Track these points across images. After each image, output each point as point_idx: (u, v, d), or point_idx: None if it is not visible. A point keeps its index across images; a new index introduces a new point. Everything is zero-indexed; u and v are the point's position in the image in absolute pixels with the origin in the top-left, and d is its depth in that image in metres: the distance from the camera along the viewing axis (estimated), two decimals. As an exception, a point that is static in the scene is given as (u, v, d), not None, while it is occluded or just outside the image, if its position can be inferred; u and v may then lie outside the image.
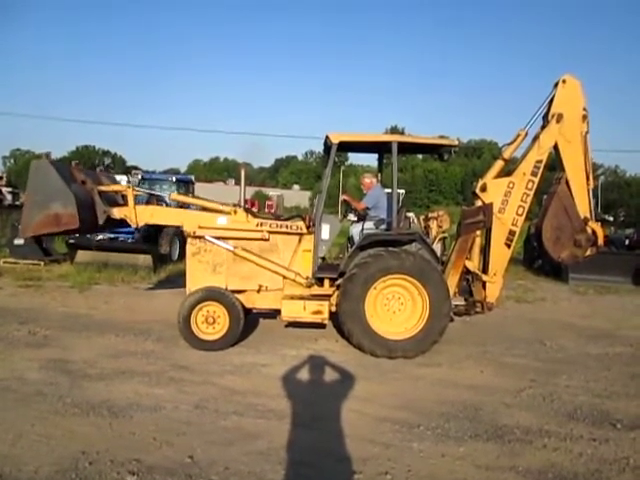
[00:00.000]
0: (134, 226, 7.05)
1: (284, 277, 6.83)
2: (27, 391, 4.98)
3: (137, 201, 7.02)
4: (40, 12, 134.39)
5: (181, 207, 9.06)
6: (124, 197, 6.99)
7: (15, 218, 13.94)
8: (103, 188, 6.91)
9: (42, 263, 12.64)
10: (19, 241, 12.88)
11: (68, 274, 11.56)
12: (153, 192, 8.34)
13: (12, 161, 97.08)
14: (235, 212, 6.82)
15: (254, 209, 19.60)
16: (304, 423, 4.51)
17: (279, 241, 6.89)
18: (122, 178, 23.64)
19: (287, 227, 6.84)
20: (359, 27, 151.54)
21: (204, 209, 7.24)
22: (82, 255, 12.59)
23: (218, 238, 6.77)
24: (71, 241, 12.74)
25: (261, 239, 6.79)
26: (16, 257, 12.78)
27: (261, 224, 6.82)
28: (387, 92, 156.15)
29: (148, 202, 9.54)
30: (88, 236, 12.06)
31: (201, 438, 4.14)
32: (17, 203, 22.23)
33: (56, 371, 5.58)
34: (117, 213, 6.76)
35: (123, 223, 7.02)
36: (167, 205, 10.31)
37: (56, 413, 4.51)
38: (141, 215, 6.83)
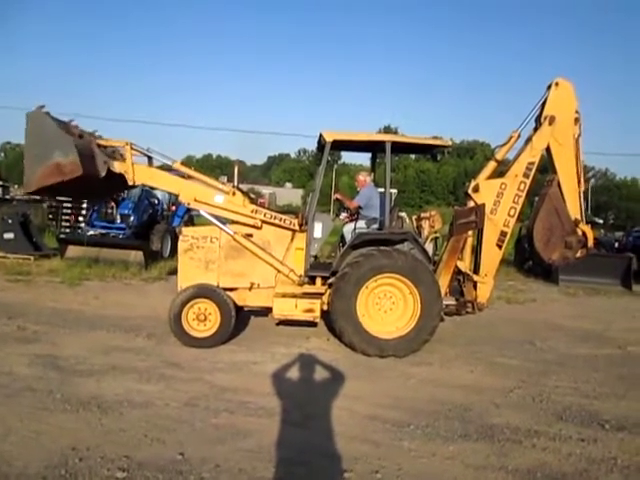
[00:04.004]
0: (131, 183, 6.81)
1: (276, 274, 6.83)
2: (16, 387, 4.95)
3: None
4: (36, 9, 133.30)
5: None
6: (122, 156, 6.72)
7: (5, 212, 13.82)
8: (101, 142, 6.65)
9: (32, 258, 12.56)
10: (9, 235, 12.79)
11: (58, 269, 11.49)
12: (152, 154, 7.90)
13: (2, 155, 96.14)
14: (234, 193, 6.77)
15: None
16: (295, 421, 4.51)
17: (271, 237, 6.87)
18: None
19: (281, 220, 6.81)
20: (353, 26, 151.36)
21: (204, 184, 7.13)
22: (73, 250, 12.51)
23: (212, 215, 6.73)
24: (62, 236, 12.67)
25: (253, 226, 6.76)
26: (5, 251, 12.67)
27: (256, 211, 6.78)
28: (381, 91, 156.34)
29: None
30: (79, 231, 12.00)
31: (192, 435, 4.14)
32: (7, 197, 21.98)
33: (46, 367, 5.54)
34: (117, 167, 6.53)
35: (122, 185, 6.85)
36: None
37: (46, 409, 4.49)
38: (139, 174, 6.68)
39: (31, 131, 6.17)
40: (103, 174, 6.43)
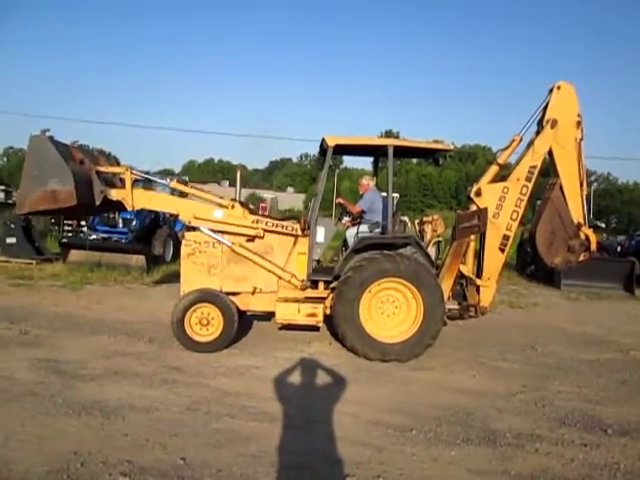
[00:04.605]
0: (130, 209, 6.91)
1: (278, 279, 6.83)
2: (18, 391, 4.94)
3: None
4: (37, 11, 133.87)
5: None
6: (122, 180, 6.84)
7: (7, 216, 13.85)
8: (101, 169, 6.73)
9: (34, 262, 12.57)
10: (11, 239, 12.81)
11: (60, 273, 11.52)
12: (151, 177, 8.11)
13: (5, 159, 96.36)
14: (232, 206, 6.78)
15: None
16: (297, 426, 4.50)
17: (274, 243, 6.88)
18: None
19: (282, 227, 6.83)
20: (356, 29, 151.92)
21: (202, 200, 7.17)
22: (75, 255, 12.53)
23: (213, 231, 6.72)
24: (64, 240, 12.70)
25: (256, 236, 6.77)
26: (8, 256, 12.70)
27: (257, 221, 6.79)
28: (383, 96, 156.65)
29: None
30: (81, 235, 12.02)
31: (194, 440, 4.13)
32: (9, 202, 22.04)
33: (47, 371, 5.54)
34: (115, 194, 6.62)
35: (119, 206, 6.88)
36: None
37: (47, 413, 4.48)
38: (138, 199, 6.72)
39: (32, 154, 6.27)
40: (98, 203, 6.55)
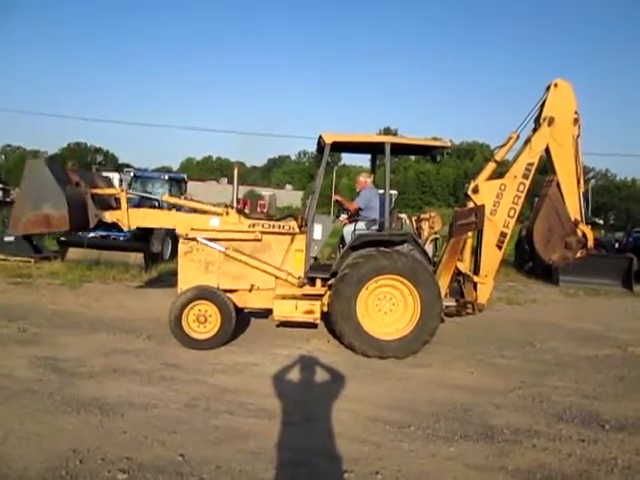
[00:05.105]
0: (126, 229, 7.08)
1: (276, 277, 6.84)
2: (17, 388, 4.95)
3: (130, 204, 7.03)
4: (35, 10, 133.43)
5: (172, 208, 9.06)
6: (117, 200, 6.99)
7: (5, 214, 13.83)
8: (97, 191, 6.89)
9: (32, 260, 12.56)
10: (9, 238, 12.79)
11: (59, 271, 11.51)
12: (145, 195, 8.35)
13: (3, 157, 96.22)
14: (227, 213, 6.82)
15: (247, 208, 19.61)
16: (295, 422, 4.52)
17: (272, 241, 6.89)
18: (114, 175, 23.54)
19: (279, 227, 6.85)
20: (353, 26, 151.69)
21: (196, 211, 7.25)
22: (73, 252, 12.53)
23: (211, 239, 6.76)
24: (62, 238, 12.68)
25: (254, 240, 6.79)
26: (6, 254, 12.69)
27: (253, 225, 6.82)
28: (381, 93, 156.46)
29: (140, 204, 9.52)
30: (80, 233, 12.00)
31: (192, 437, 4.14)
32: (7, 200, 22.00)
33: (46, 369, 5.55)
34: (109, 217, 6.76)
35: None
36: (160, 206, 10.30)
37: (46, 411, 4.49)
38: (134, 218, 6.83)
39: (28, 177, 6.37)
40: (92, 226, 6.73)
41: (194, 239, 6.76)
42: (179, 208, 8.35)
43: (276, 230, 6.84)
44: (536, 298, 11.61)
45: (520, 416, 4.88)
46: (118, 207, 6.86)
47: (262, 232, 6.80)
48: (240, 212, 7.05)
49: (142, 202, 10.69)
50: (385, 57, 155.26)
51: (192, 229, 6.76)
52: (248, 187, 65.31)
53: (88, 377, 5.37)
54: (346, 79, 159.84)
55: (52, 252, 13.47)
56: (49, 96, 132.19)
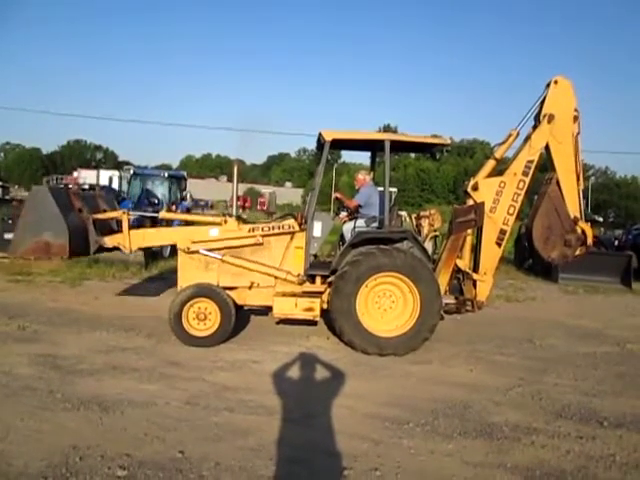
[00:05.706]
0: (127, 252, 7.17)
1: (276, 276, 6.84)
2: (16, 386, 4.96)
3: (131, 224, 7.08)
4: (33, 9, 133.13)
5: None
6: (119, 223, 7.07)
7: (4, 212, 13.82)
8: (99, 216, 7.02)
9: (32, 258, 12.52)
10: (9, 235, 12.76)
11: (59, 269, 11.49)
12: (145, 214, 8.45)
13: (2, 155, 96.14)
14: (225, 222, 6.85)
15: (247, 205, 19.61)
16: (295, 419, 4.53)
17: (272, 240, 6.89)
18: (114, 173, 23.53)
19: (279, 227, 6.86)
20: (353, 25, 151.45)
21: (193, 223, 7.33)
22: (73, 250, 12.48)
23: (212, 250, 6.78)
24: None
25: (255, 244, 6.82)
26: (6, 252, 12.65)
27: (253, 229, 6.84)
28: (380, 90, 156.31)
29: (141, 225, 9.59)
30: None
31: (192, 434, 4.15)
32: (7, 197, 22.00)
33: (46, 366, 5.56)
34: (109, 242, 6.90)
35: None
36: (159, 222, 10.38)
37: (46, 408, 4.50)
38: (134, 240, 6.93)
39: (31, 203, 6.59)
40: (92, 253, 6.91)
41: (196, 252, 6.78)
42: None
43: (276, 231, 6.85)
44: (535, 295, 11.62)
45: (519, 413, 4.89)
46: (119, 229, 6.94)
47: (262, 235, 6.82)
48: (238, 219, 7.08)
49: (143, 221, 10.85)
50: (385, 55, 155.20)
51: (193, 242, 6.79)
52: (248, 185, 65.35)
53: (88, 374, 5.37)
54: (347, 77, 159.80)
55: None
56: (49, 94, 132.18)
